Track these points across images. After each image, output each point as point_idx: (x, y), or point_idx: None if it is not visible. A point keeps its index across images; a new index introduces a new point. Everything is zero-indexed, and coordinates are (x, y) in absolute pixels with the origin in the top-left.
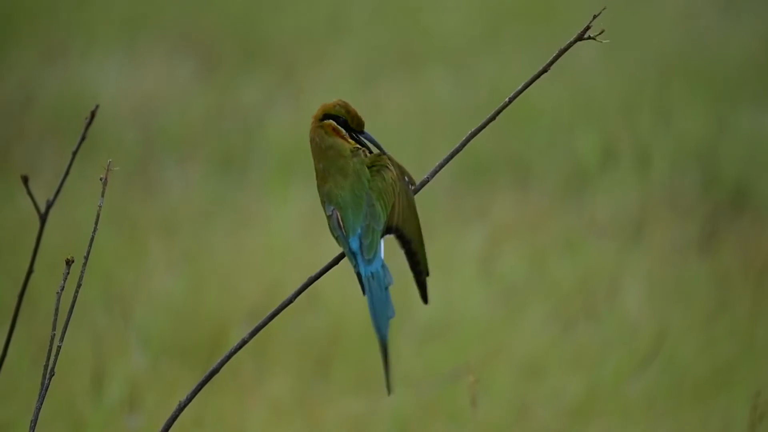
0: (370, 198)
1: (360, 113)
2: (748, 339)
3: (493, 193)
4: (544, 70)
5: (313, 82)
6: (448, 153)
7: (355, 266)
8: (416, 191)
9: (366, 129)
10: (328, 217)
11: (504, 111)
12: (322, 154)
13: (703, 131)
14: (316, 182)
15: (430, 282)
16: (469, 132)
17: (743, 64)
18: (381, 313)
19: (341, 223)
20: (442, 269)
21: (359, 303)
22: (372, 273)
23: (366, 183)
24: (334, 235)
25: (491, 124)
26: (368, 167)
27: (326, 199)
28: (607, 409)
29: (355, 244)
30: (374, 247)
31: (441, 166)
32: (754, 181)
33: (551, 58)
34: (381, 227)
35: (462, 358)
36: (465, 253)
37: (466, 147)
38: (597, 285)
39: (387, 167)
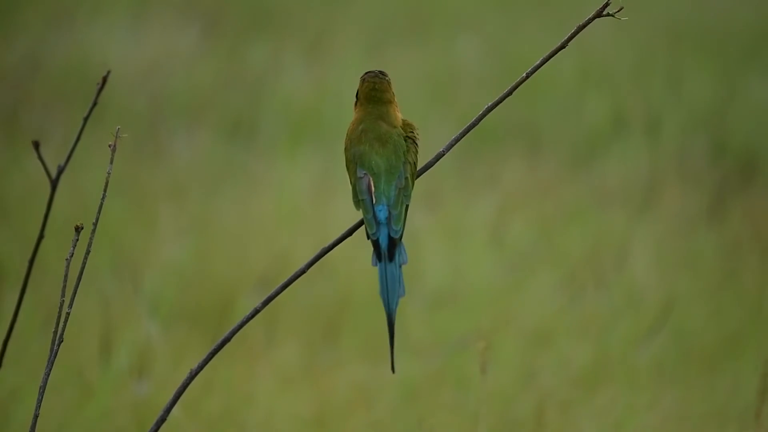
0: (405, 170)
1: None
2: (755, 307)
3: (503, 161)
4: (562, 47)
5: (322, 46)
6: (464, 127)
7: (374, 233)
8: (432, 164)
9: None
10: (358, 179)
11: (513, 79)
12: (370, 113)
13: (712, 100)
14: (347, 136)
15: (440, 249)
16: (486, 106)
17: (753, 33)
18: (392, 289)
19: (372, 189)
20: (451, 237)
21: (368, 271)
22: (389, 248)
23: (402, 155)
24: (358, 198)
25: (502, 93)
26: (404, 138)
27: (357, 161)
28: (615, 377)
29: (382, 213)
30: (402, 219)
31: (457, 140)
32: (763, 150)
33: (569, 34)
34: (409, 201)
35: (470, 326)
36: (474, 222)
37: (476, 117)
38: (606, 253)
39: (416, 141)
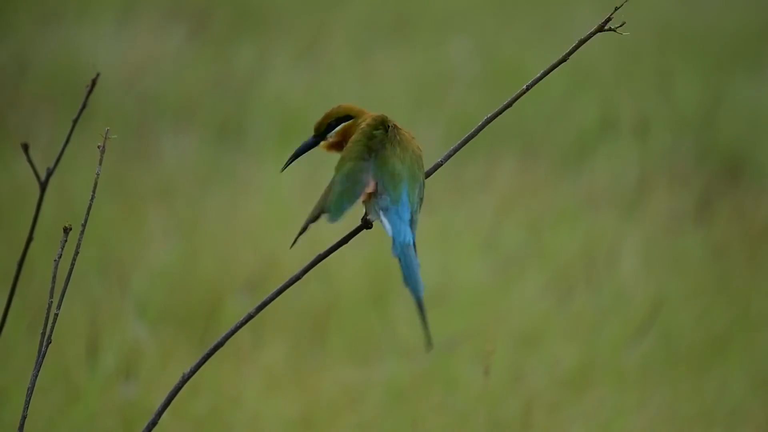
0: (423, 183)
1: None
2: (743, 308)
3: (492, 163)
4: (563, 60)
5: (310, 47)
6: (462, 138)
7: (399, 225)
8: (429, 174)
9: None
10: (361, 171)
11: (501, 81)
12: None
13: (700, 102)
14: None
15: (429, 251)
16: (485, 118)
17: (740, 34)
18: (416, 281)
19: (387, 188)
20: (441, 238)
21: (357, 273)
22: (408, 244)
23: (421, 168)
24: (350, 182)
25: (490, 95)
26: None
27: (378, 172)
28: (603, 378)
29: (406, 215)
30: (417, 225)
31: (455, 150)
32: (750, 150)
33: (570, 48)
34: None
35: (459, 327)
36: (464, 223)
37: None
38: (595, 255)
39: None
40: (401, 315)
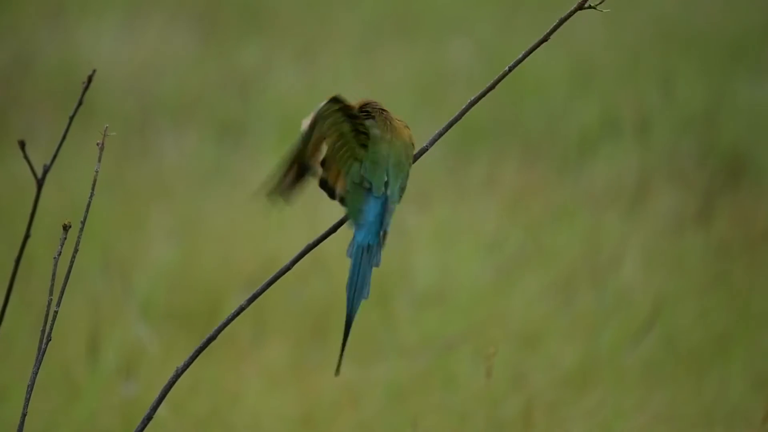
0: (408, 175)
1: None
2: (744, 308)
3: (492, 162)
4: (544, 40)
5: (312, 47)
6: (447, 122)
7: (381, 217)
8: (415, 159)
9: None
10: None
11: (503, 80)
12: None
13: (701, 101)
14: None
15: (429, 249)
16: (469, 101)
17: (742, 34)
18: (359, 289)
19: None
20: (441, 237)
21: None
22: (369, 245)
23: (410, 159)
24: (367, 177)
25: (491, 94)
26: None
27: (371, 160)
28: (604, 378)
29: (377, 206)
30: (393, 216)
31: (440, 134)
32: (751, 150)
33: (551, 27)
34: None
35: (459, 327)
36: (465, 223)
37: (464, 115)
38: (595, 255)
39: None
40: (402, 314)
